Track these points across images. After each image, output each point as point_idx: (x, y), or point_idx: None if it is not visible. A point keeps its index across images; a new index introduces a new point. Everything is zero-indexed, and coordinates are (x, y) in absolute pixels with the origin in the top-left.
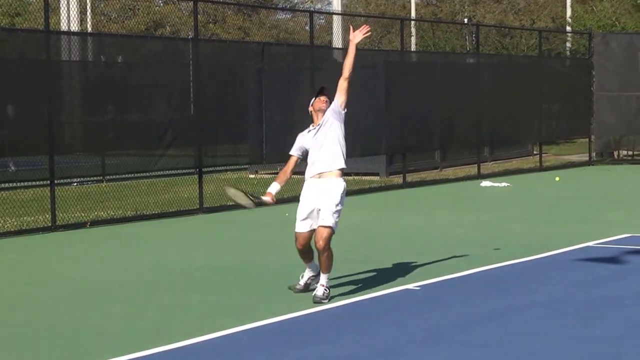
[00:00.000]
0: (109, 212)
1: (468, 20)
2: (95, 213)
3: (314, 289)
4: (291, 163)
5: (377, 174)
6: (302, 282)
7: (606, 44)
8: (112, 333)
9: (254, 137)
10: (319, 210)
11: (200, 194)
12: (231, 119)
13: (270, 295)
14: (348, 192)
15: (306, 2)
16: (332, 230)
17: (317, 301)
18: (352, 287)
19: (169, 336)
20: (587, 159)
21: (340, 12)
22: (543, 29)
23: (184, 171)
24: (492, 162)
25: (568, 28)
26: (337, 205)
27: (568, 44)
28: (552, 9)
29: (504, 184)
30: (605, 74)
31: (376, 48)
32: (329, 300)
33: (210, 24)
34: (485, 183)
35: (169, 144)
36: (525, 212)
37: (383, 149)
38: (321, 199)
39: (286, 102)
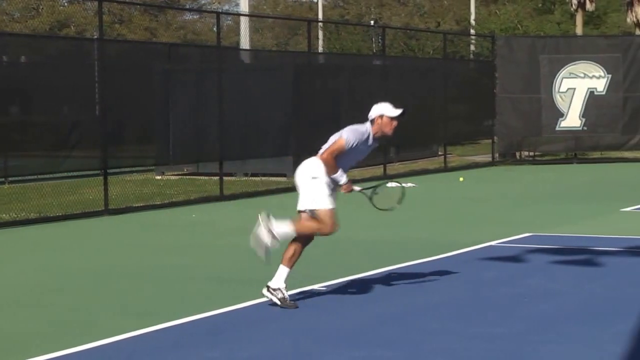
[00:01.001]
0: (11, 214)
1: (375, 23)
2: None
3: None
4: None
5: (284, 175)
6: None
7: (509, 47)
8: (13, 336)
9: (160, 138)
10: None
11: (106, 195)
12: (137, 120)
13: (175, 297)
14: (255, 193)
15: (213, 3)
16: None
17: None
18: (259, 287)
19: (72, 339)
20: (490, 159)
21: (247, 13)
22: (448, 31)
23: (89, 173)
24: (398, 163)
25: (472, 31)
26: None
27: (472, 47)
28: (456, 12)
29: (409, 184)
30: (507, 76)
31: (283, 49)
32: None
33: (116, 24)
34: (391, 184)
35: (73, 145)
36: (430, 212)
37: (290, 150)
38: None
39: (193, 103)
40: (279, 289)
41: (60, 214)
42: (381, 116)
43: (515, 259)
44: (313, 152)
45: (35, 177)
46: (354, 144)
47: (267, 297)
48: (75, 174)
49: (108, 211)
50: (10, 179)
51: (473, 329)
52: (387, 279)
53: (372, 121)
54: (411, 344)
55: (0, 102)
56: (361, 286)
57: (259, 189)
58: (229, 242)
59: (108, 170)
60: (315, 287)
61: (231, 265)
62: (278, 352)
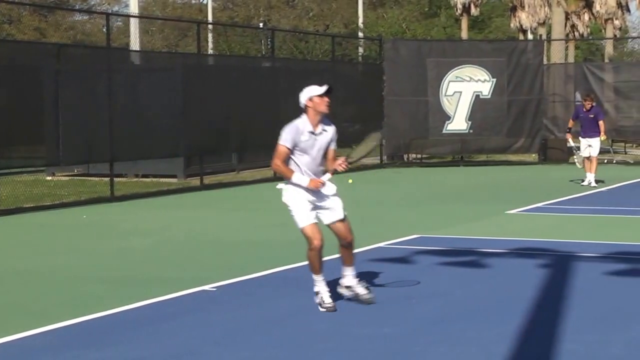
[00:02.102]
0: None
1: (264, 25)
2: None
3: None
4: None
5: (174, 176)
6: (330, 300)
7: (396, 49)
8: None
9: (50, 139)
10: (328, 208)
11: None
12: (27, 121)
13: (66, 298)
14: (146, 194)
15: (103, 4)
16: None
17: (369, 301)
18: (151, 288)
19: None
20: (378, 161)
21: (137, 14)
22: (336, 34)
23: None
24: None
25: (360, 34)
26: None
27: (360, 50)
28: (344, 15)
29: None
30: (395, 79)
31: (173, 51)
32: None
33: (5, 24)
34: (281, 185)
35: None
36: None
37: (181, 151)
38: (323, 197)
39: (83, 104)
40: (317, 292)
41: None
42: (310, 99)
43: (403, 260)
44: (204, 153)
45: None
46: (293, 141)
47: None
48: None
49: None
50: None
51: (361, 329)
52: (276, 280)
53: (306, 108)
54: (300, 345)
55: None
56: (251, 287)
57: (150, 190)
58: (120, 243)
59: None
60: (206, 287)
61: (122, 266)
62: (168, 352)
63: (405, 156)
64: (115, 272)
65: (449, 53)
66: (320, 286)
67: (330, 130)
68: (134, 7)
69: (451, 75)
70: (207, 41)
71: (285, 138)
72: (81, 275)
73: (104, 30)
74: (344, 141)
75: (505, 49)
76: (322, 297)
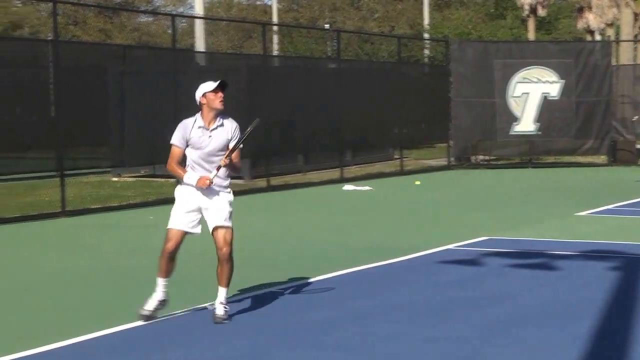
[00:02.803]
0: None
1: (329, 26)
2: None
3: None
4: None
5: (241, 177)
6: (150, 307)
7: (462, 51)
8: None
9: (114, 140)
10: (213, 211)
11: (63, 197)
12: (93, 122)
13: (131, 299)
14: None
15: (168, 6)
16: (232, 229)
17: (220, 321)
18: (213, 290)
19: (26, 341)
20: (446, 163)
21: (202, 15)
22: (402, 35)
23: (46, 174)
24: (354, 166)
25: (426, 35)
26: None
27: (426, 51)
28: (409, 17)
29: (366, 187)
30: (461, 80)
31: (238, 52)
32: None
33: (71, 26)
34: (348, 187)
35: (28, 147)
36: (386, 216)
37: (247, 152)
38: (213, 200)
39: (148, 105)
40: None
41: (17, 216)
42: (204, 95)
43: (472, 262)
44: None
45: None
46: (183, 138)
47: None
48: (31, 175)
49: (65, 213)
50: None
51: (429, 332)
52: (344, 282)
53: (200, 105)
54: (365, 347)
55: None
56: (318, 289)
57: None
58: (187, 245)
59: (64, 172)
60: (273, 289)
61: (189, 267)
62: (236, 353)
63: (473, 158)
64: (180, 273)
65: (516, 54)
66: (157, 290)
67: (229, 127)
68: (199, 9)
69: (518, 76)
70: (272, 42)
71: (175, 136)
72: (148, 277)
73: (169, 31)
74: (411, 142)
75: (572, 50)
76: (149, 300)
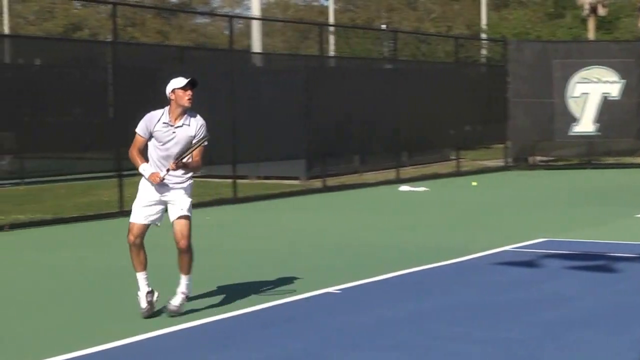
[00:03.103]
0: (27, 215)
1: (386, 27)
2: (14, 216)
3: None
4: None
5: (297, 178)
6: (144, 303)
7: (520, 51)
8: (30, 337)
9: None
10: (173, 203)
11: (121, 197)
12: None
13: (191, 299)
14: (268, 196)
15: (225, 7)
16: (190, 221)
17: (174, 313)
18: (274, 290)
19: (86, 339)
20: (503, 164)
21: (259, 17)
22: (459, 36)
23: (104, 174)
24: (410, 167)
25: (483, 36)
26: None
27: (483, 52)
28: (467, 17)
29: (422, 188)
30: (519, 80)
31: (294, 53)
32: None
33: (129, 27)
34: (404, 187)
35: (87, 147)
36: (443, 217)
37: (303, 153)
38: (170, 193)
39: (205, 105)
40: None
41: (75, 215)
42: (173, 91)
43: (528, 264)
44: (326, 154)
45: (51, 178)
46: (147, 129)
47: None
48: (89, 175)
49: (123, 213)
50: (25, 180)
51: (486, 333)
52: (400, 283)
53: (169, 100)
54: (422, 348)
55: (15, 104)
56: (374, 290)
57: (273, 192)
58: (242, 245)
59: (122, 172)
60: (330, 290)
61: (244, 268)
62: (290, 354)
63: (531, 159)
64: (238, 275)
65: (575, 54)
66: (140, 286)
67: (194, 125)
68: (255, 10)
69: (577, 76)
70: (328, 43)
71: (140, 126)
72: (203, 278)
73: (226, 32)
74: (467, 143)
75: (633, 49)
76: (138, 300)
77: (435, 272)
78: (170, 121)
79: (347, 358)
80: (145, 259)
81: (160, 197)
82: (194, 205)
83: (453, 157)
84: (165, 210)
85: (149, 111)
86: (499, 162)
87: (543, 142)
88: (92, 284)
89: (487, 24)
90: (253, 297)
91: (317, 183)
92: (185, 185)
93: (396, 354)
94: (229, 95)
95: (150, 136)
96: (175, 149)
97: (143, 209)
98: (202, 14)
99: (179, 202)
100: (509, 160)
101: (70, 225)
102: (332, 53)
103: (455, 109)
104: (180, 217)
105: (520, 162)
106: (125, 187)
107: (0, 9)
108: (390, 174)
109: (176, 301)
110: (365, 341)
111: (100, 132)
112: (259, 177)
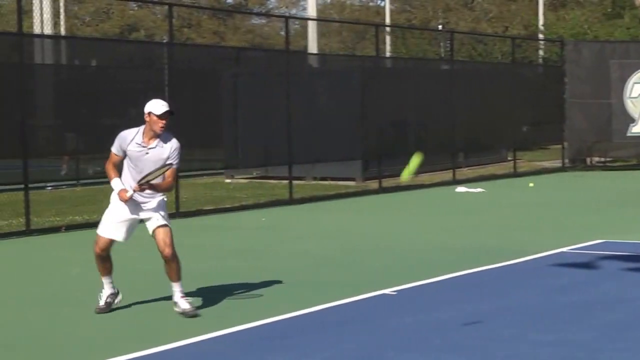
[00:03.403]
0: (84, 216)
1: (442, 27)
2: (70, 217)
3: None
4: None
5: (353, 179)
6: (102, 302)
7: (578, 51)
8: (88, 337)
9: (228, 142)
10: (148, 218)
11: (177, 198)
12: (206, 124)
13: (246, 300)
14: (324, 197)
15: (281, 8)
16: (170, 229)
17: (192, 315)
18: (329, 291)
19: (145, 341)
20: (560, 165)
21: (315, 17)
22: (516, 36)
23: None
24: (466, 168)
25: (540, 36)
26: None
27: (540, 52)
28: (524, 17)
29: (478, 189)
30: (577, 81)
31: (350, 53)
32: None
33: (185, 28)
34: (460, 188)
35: None
36: (499, 218)
37: (359, 154)
38: (149, 208)
39: (261, 106)
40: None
41: None
42: (149, 113)
43: (586, 265)
44: (382, 155)
45: (106, 180)
46: (121, 148)
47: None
48: None
49: (179, 214)
50: (81, 181)
51: (544, 335)
52: (457, 285)
53: (144, 120)
54: (480, 350)
55: (72, 105)
56: (429, 291)
57: (329, 193)
58: (298, 246)
59: (178, 174)
60: (386, 291)
61: (299, 269)
62: (344, 355)
63: (588, 159)
64: (293, 276)
65: (633, 54)
66: (105, 287)
67: (168, 148)
68: (311, 10)
69: (636, 77)
70: (384, 44)
71: (115, 144)
72: (259, 278)
73: (282, 33)
74: (524, 144)
75: None
76: (100, 297)
77: (491, 273)
78: (144, 142)
79: (405, 359)
80: (111, 266)
81: (131, 216)
82: (251, 206)
83: (510, 158)
84: (137, 224)
85: (203, 112)
86: (556, 163)
87: (600, 143)
88: (147, 286)
89: (544, 24)
90: (308, 298)
91: (373, 184)
92: (155, 203)
93: (452, 356)
94: (284, 96)
95: (125, 154)
96: (147, 169)
97: (114, 225)
98: (258, 14)
99: (154, 214)
100: (566, 161)
101: None
102: (388, 53)
103: (512, 110)
104: (159, 227)
105: (577, 163)
106: (181, 188)
107: (57, 10)
108: (447, 175)
109: (184, 305)
110: (420, 342)
111: None
112: (314, 178)
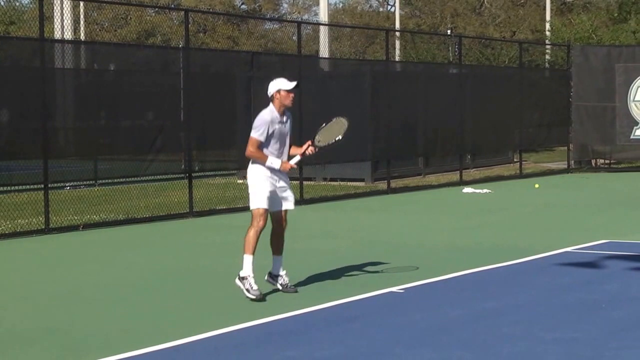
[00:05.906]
0: (101, 215)
1: (450, 32)
2: (88, 216)
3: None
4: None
5: (362, 180)
6: (255, 286)
7: (584, 56)
8: (105, 333)
9: (242, 143)
10: (285, 197)
11: (190, 198)
12: (220, 126)
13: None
14: (334, 197)
15: (293, 13)
16: None
17: (293, 291)
18: (338, 289)
19: (160, 336)
20: (565, 166)
21: (326, 22)
22: (523, 40)
23: (174, 176)
24: (473, 169)
25: (547, 40)
26: None
27: (547, 56)
28: (531, 22)
29: (485, 190)
30: (582, 85)
31: (361, 58)
32: None
33: (201, 33)
34: (467, 189)
35: (159, 150)
36: (506, 218)
37: (368, 156)
38: (284, 184)
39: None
40: (247, 277)
41: (146, 216)
42: (278, 91)
43: (592, 265)
44: (391, 157)
45: (123, 180)
46: (265, 130)
47: (238, 286)
48: (160, 177)
49: (192, 213)
50: (99, 181)
51: (549, 333)
52: (463, 283)
53: (272, 99)
54: (486, 347)
55: (90, 108)
56: (437, 289)
57: (338, 193)
58: (308, 246)
59: (192, 174)
60: (393, 289)
61: (309, 268)
62: (353, 353)
63: (593, 161)
64: (303, 275)
65: (638, 58)
66: (249, 270)
67: (290, 117)
68: (323, 16)
69: None
70: (394, 48)
71: (261, 132)
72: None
73: (294, 38)
74: (530, 146)
75: None
76: (250, 283)
77: (498, 272)
78: (279, 117)
79: (411, 356)
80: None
81: (277, 188)
82: None
83: (516, 160)
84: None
85: (217, 115)
86: (562, 165)
87: (605, 145)
88: (162, 282)
89: (550, 29)
90: (317, 296)
91: (382, 185)
92: (288, 180)
93: (459, 353)
94: (296, 98)
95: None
96: (284, 141)
97: (269, 198)
98: (271, 20)
99: (291, 197)
100: (572, 162)
101: (141, 225)
102: (398, 58)
103: (519, 113)
104: (290, 209)
105: (582, 164)
106: (195, 188)
107: (77, 16)
108: (454, 176)
109: (287, 278)
110: (428, 339)
111: (172, 136)
112: (325, 179)
